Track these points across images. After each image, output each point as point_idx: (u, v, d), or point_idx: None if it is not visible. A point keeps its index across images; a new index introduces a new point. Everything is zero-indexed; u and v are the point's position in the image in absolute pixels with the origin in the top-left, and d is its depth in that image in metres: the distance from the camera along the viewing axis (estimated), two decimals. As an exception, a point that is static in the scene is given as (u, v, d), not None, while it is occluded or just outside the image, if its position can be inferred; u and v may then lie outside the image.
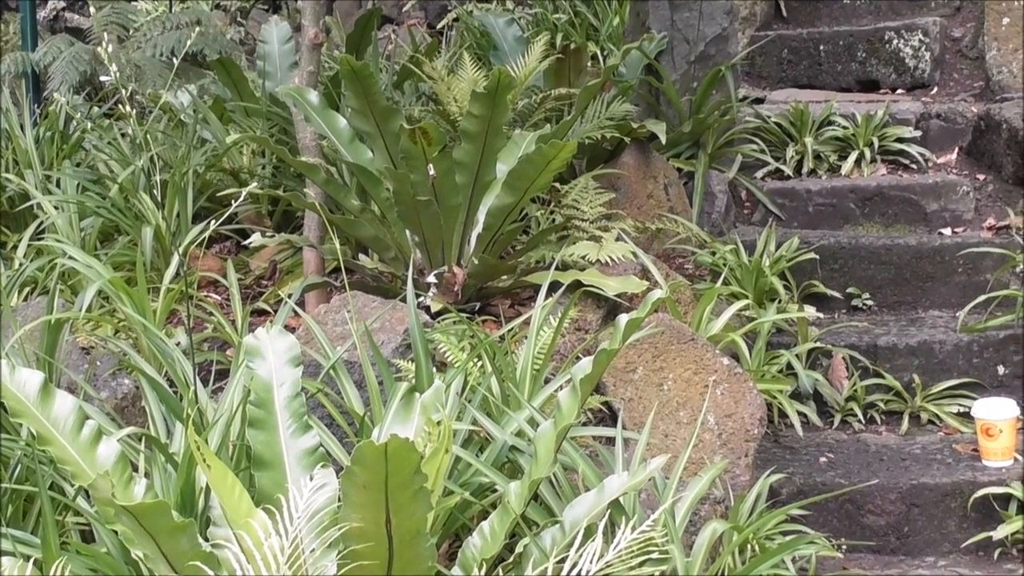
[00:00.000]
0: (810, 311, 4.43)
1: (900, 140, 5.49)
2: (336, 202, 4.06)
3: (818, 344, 4.34)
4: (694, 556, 2.82)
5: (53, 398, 2.40)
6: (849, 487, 3.71)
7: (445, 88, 4.76)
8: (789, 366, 4.21)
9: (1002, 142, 5.27)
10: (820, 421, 4.25)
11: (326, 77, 5.27)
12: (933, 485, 3.75)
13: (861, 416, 4.27)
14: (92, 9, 6.46)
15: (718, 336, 3.87)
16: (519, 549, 2.51)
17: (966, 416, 4.16)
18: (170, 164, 4.82)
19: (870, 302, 4.80)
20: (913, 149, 5.44)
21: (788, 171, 5.56)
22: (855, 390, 4.30)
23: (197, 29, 5.26)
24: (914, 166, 5.44)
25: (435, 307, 3.79)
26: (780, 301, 4.43)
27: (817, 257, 4.74)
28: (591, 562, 2.17)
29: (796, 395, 4.20)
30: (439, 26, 7.50)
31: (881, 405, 4.31)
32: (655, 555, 2.43)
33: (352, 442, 2.92)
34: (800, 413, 4.09)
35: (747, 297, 4.30)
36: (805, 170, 5.53)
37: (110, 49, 3.65)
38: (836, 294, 4.77)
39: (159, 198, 4.20)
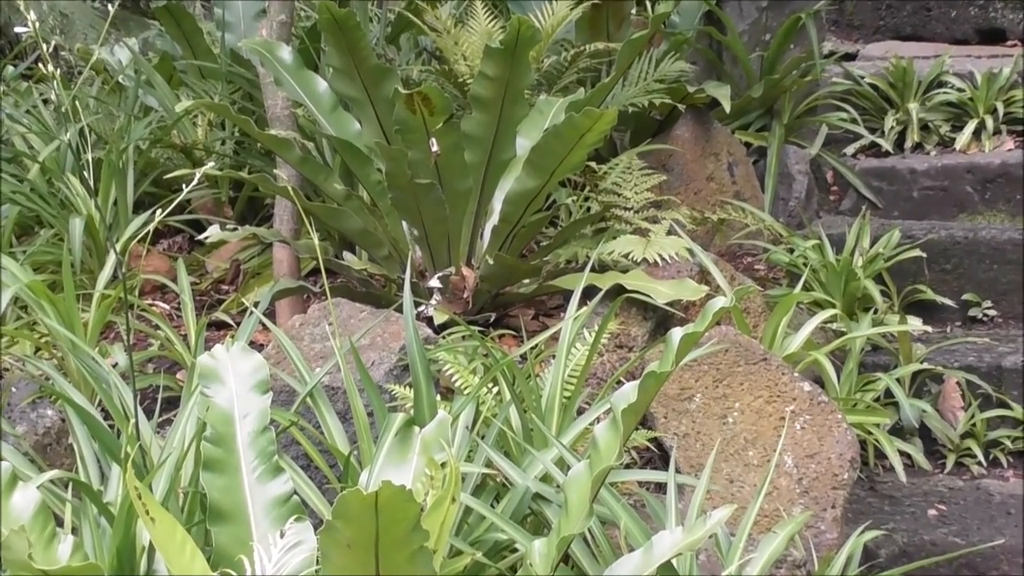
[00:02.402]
0: (915, 323, 4.41)
1: (1032, 105, 5.48)
2: (315, 186, 4.07)
3: (925, 365, 4.32)
4: (767, 634, 2.80)
5: (-48, 434, 2.41)
6: (967, 548, 3.68)
7: (452, 42, 4.77)
8: (888, 393, 4.20)
9: None
10: (928, 463, 4.23)
11: (302, 29, 5.30)
12: (1074, 545, 3.73)
13: (981, 457, 4.25)
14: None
15: (797, 355, 3.86)
16: (545, 625, 2.50)
17: (1116, 457, 4.14)
18: (105, 138, 4.85)
19: (992, 312, 4.79)
20: (1049, 116, 5.44)
21: (887, 146, 5.55)
22: (973, 424, 4.28)
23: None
24: (1050, 138, 5.44)
25: (439, 318, 3.79)
26: (876, 311, 4.42)
27: (924, 255, 4.73)
28: (636, 642, 2.16)
29: (897, 430, 4.18)
30: (445, -37, 7.52)
31: (1007, 443, 4.29)
32: (717, 633, 2.42)
33: (334, 489, 2.92)
34: (903, 453, 4.07)
35: (834, 306, 4.29)
36: (909, 144, 5.53)
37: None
38: (948, 302, 4.75)
39: (91, 181, 4.21)
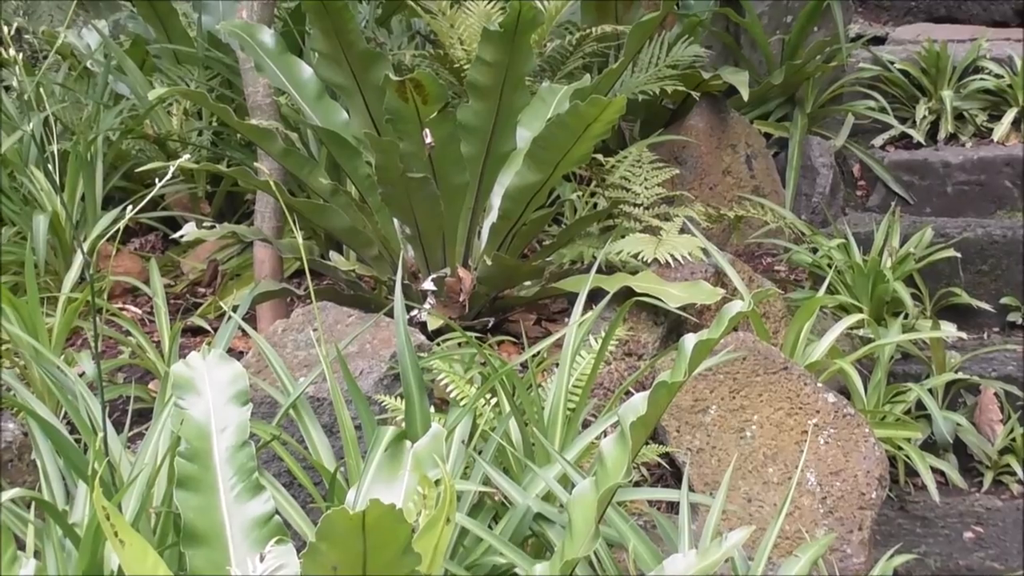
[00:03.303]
0: (949, 329, 4.42)
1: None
2: (299, 181, 4.08)
3: (960, 375, 4.32)
4: (788, 666, 2.80)
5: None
6: (1005, 573, 3.68)
7: (447, 25, 4.78)
8: (920, 405, 4.20)
9: None
10: (964, 481, 4.24)
11: (285, 11, 5.31)
12: (1121, 570, 3.74)
13: (1022, 475, 4.25)
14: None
15: (821, 364, 3.86)
16: (547, 656, 2.50)
17: None
18: (72, 129, 4.85)
19: (1032, 317, 4.80)
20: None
21: (918, 137, 5.56)
22: (1012, 438, 4.28)
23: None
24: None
25: (433, 323, 3.80)
26: (907, 315, 4.42)
27: (959, 255, 4.73)
28: (645, 674, 2.17)
29: (930, 445, 4.18)
30: (440, -61, 7.53)
31: (1049, 460, 4.30)
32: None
33: (319, 508, 2.92)
34: (936, 470, 4.07)
35: (861, 310, 4.30)
36: (942, 135, 5.53)
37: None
38: (985, 306, 4.75)
39: (57, 175, 4.22)
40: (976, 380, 4.35)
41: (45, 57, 5.49)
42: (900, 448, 3.99)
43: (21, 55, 2.73)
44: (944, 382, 4.30)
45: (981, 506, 4.17)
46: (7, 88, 5.19)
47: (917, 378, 4.30)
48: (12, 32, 2.75)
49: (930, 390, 4.22)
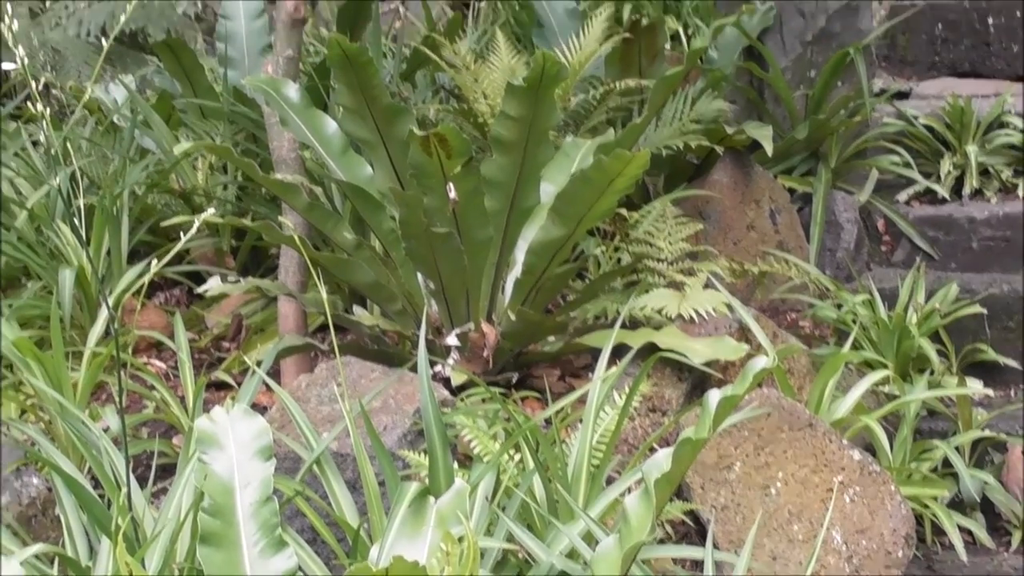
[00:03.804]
0: (975, 386, 4.39)
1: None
2: (323, 235, 4.10)
3: (987, 432, 4.30)
4: None
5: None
6: (1032, 632, 3.66)
7: (471, 80, 4.81)
8: (946, 463, 4.17)
9: None
10: (992, 541, 4.20)
11: (310, 65, 5.34)
12: None
13: (1049, 533, 4.22)
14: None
15: (846, 420, 3.85)
16: None
17: None
18: (98, 183, 4.88)
19: (1060, 374, 4.78)
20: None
21: (943, 192, 5.55)
22: (1040, 497, 4.25)
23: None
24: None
25: (457, 379, 3.80)
26: (932, 372, 4.41)
27: (985, 311, 4.71)
28: None
29: (957, 504, 4.16)
30: (465, -5, 7.59)
31: (1078, 519, 4.27)
32: None
33: (342, 565, 2.91)
34: (963, 529, 4.04)
35: (886, 366, 4.28)
36: (967, 191, 5.53)
37: (16, 27, 3.71)
38: (1012, 363, 4.73)
39: (83, 229, 4.25)
40: (1003, 438, 4.33)
41: (72, 112, 5.53)
42: (927, 506, 3.96)
43: (48, 110, 2.75)
44: (971, 439, 4.27)
45: (1010, 566, 4.13)
46: (35, 143, 5.23)
47: (943, 435, 4.28)
48: (40, 87, 2.78)
49: (957, 448, 4.20)
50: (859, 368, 4.31)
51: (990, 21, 6.31)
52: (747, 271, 4.54)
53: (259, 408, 3.86)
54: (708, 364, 3.78)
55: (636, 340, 3.70)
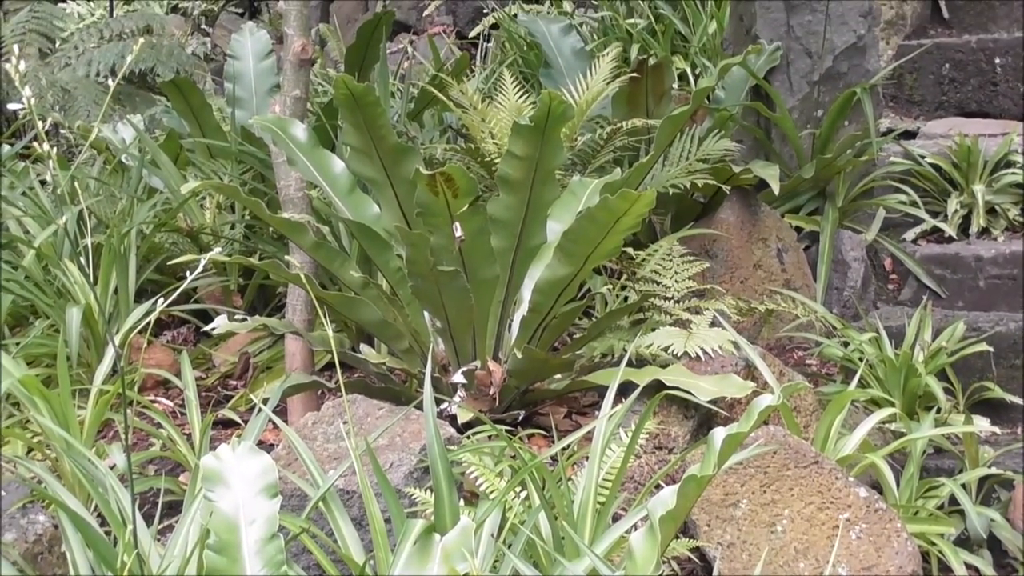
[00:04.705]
0: (982, 424, 4.39)
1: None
2: (330, 274, 4.12)
3: (994, 470, 4.29)
4: None
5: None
6: (1039, 671, 3.65)
7: (478, 119, 4.83)
8: (953, 500, 4.17)
9: None
10: (998, 578, 4.20)
11: (318, 105, 5.37)
12: None
13: (1056, 571, 4.22)
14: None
15: (852, 458, 3.85)
16: None
17: None
18: (106, 222, 4.91)
19: (1067, 412, 4.77)
20: None
21: (950, 231, 5.56)
22: (1047, 535, 4.25)
23: (144, 40, 5.39)
24: None
25: (463, 417, 3.81)
26: (939, 410, 4.41)
27: (991, 350, 4.72)
28: None
29: (964, 541, 4.15)
30: (472, 34, 7.63)
31: (1086, 556, 4.26)
32: None
33: (347, 602, 2.92)
34: (970, 566, 4.03)
35: (892, 404, 4.29)
36: (974, 229, 5.54)
37: (23, 67, 3.74)
38: (1019, 400, 4.73)
39: (90, 268, 4.27)
40: (1010, 475, 4.32)
41: (80, 151, 5.55)
42: (933, 544, 3.96)
43: (56, 149, 2.77)
44: (977, 477, 4.27)
45: (1017, 604, 4.13)
46: (43, 182, 5.25)
47: (950, 473, 4.28)
48: (47, 127, 2.80)
49: (963, 485, 4.19)
50: (866, 406, 4.32)
51: (997, 61, 6.33)
52: (753, 309, 4.55)
53: (266, 446, 3.88)
54: (714, 402, 3.79)
55: (642, 378, 3.70)
